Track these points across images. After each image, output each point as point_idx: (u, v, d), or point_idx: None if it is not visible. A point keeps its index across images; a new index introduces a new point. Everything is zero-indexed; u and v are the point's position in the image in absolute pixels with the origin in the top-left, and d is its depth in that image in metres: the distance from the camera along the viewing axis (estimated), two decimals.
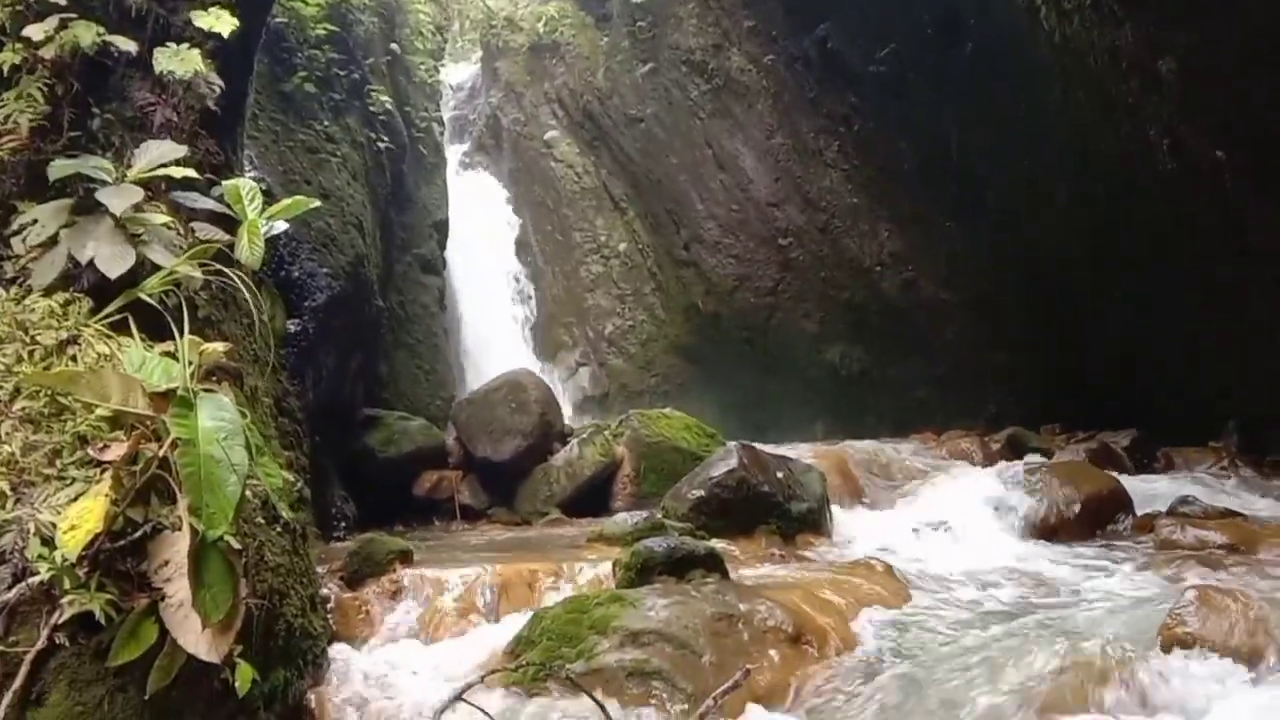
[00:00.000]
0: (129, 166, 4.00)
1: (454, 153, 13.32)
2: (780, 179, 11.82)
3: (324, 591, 4.58)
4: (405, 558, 5.08)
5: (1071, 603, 4.57)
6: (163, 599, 3.07)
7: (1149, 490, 7.13)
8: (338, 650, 4.19)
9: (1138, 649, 3.47)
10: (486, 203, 13.57)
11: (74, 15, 4.06)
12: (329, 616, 4.48)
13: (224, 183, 4.42)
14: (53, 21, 3.99)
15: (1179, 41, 6.91)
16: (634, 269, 13.43)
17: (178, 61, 4.17)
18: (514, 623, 4.41)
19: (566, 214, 13.56)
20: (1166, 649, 3.63)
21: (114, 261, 3.69)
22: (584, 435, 8.57)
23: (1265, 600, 3.78)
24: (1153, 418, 8.75)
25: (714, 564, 4.85)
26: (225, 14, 4.28)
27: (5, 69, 3.97)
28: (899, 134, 10.61)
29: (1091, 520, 6.40)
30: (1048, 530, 6.25)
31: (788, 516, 6.33)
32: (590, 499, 8.05)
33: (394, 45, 9.68)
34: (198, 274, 3.94)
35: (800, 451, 7.75)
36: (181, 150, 4.08)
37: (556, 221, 13.67)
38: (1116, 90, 7.75)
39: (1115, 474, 7.16)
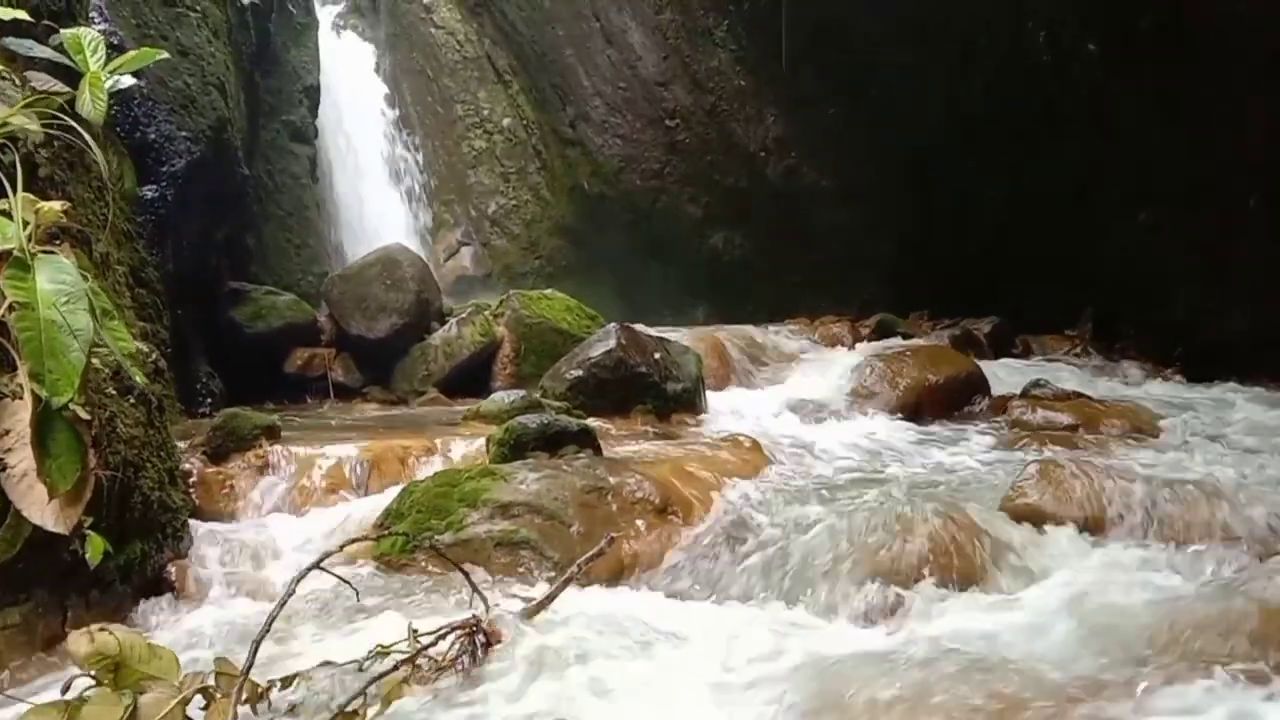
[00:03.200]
0: None
1: (326, 14, 12.57)
2: (669, 57, 11.61)
3: (185, 466, 4.46)
4: (272, 433, 4.97)
5: (922, 474, 4.82)
6: (4, 469, 2.94)
7: (1006, 374, 7.51)
8: (200, 524, 4.12)
9: (982, 516, 3.69)
10: (361, 69, 12.94)
11: None
12: (191, 491, 4.39)
13: (64, 32, 4.06)
14: None
15: None
16: (518, 146, 13.10)
17: None
18: (384, 497, 4.41)
19: (447, 85, 13.06)
20: (1007, 518, 3.88)
21: None
22: (463, 315, 8.45)
23: (1099, 473, 4.05)
24: (1016, 307, 9.16)
25: (587, 440, 4.91)
26: None
27: None
28: (786, 15, 10.50)
29: (949, 401, 6.70)
30: (907, 409, 6.52)
31: (663, 396, 6.44)
32: (469, 379, 8.01)
33: None
34: (34, 127, 3.64)
35: (679, 335, 7.83)
36: None
37: (436, 92, 13.15)
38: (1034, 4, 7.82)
39: (975, 358, 7.48)
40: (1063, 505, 3.92)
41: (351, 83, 12.25)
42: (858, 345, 8.12)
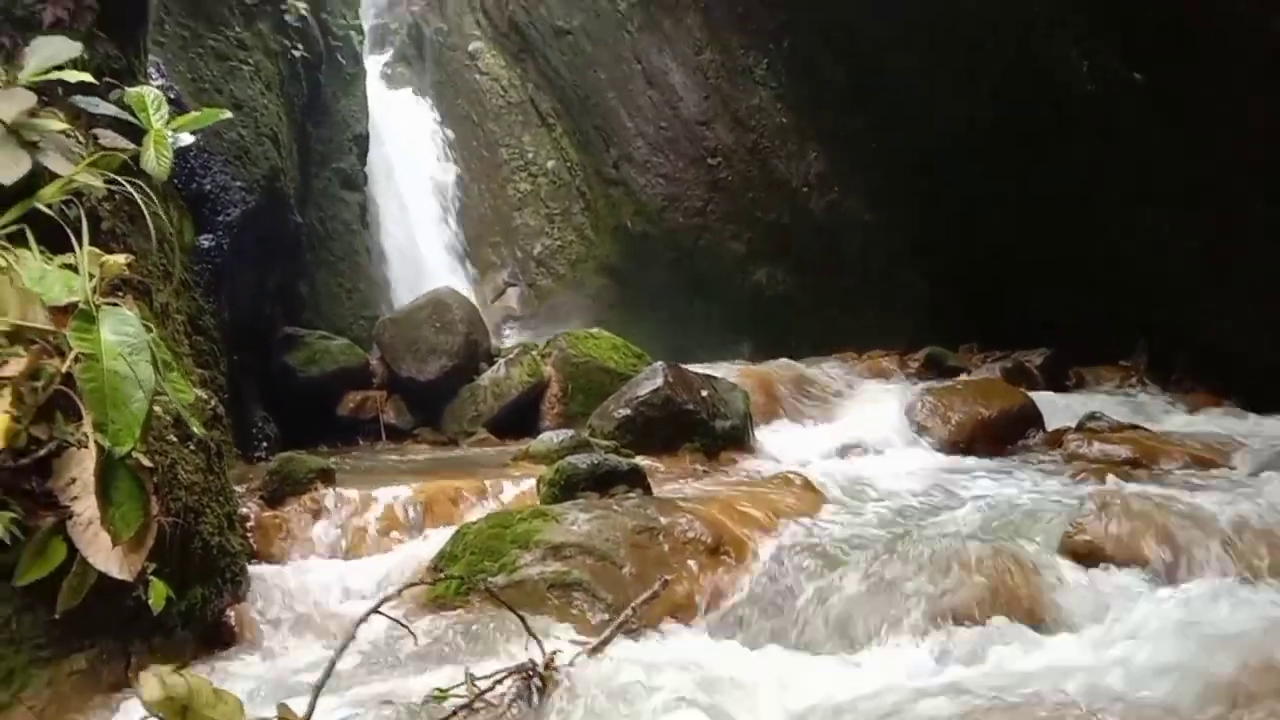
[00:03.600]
0: (20, 68, 3.78)
1: (374, 64, 12.87)
2: (709, 97, 11.69)
3: (243, 510, 4.53)
4: (326, 476, 5.03)
5: (978, 511, 4.73)
6: (70, 517, 3.01)
7: (1060, 406, 7.38)
8: (258, 568, 4.17)
9: (1041, 555, 3.62)
10: (408, 116, 13.19)
11: None
12: (249, 535, 4.45)
13: (128, 90, 4.20)
14: None
15: None
16: (562, 187, 13.24)
17: None
18: (437, 539, 4.43)
19: (492, 129, 13.26)
20: (1067, 556, 3.80)
21: (7, 169, 3.50)
22: (511, 355, 8.53)
23: (1162, 507, 3.96)
24: (1067, 338, 9.03)
25: (637, 479, 4.91)
26: None
27: None
28: (828, 52, 10.55)
29: (1003, 435, 6.61)
30: (960, 445, 6.44)
31: (712, 434, 6.43)
32: (518, 419, 8.05)
33: None
34: (98, 183, 3.77)
35: (726, 371, 7.82)
36: (76, 48, 3.85)
37: (482, 137, 13.37)
38: (1039, 8, 7.79)
39: (1027, 391, 7.38)
40: (1124, 541, 3.83)
41: (399, 130, 12.49)
42: (907, 379, 8.04)
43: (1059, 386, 8.65)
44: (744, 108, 11.51)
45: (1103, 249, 8.75)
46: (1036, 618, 3.32)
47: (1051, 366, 8.87)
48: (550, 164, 13.23)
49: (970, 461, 6.15)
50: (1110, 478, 5.10)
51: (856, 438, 6.54)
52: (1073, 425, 6.72)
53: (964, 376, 7.97)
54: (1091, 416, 6.76)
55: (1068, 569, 3.66)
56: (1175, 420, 7.44)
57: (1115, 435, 6.35)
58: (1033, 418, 6.81)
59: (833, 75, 10.59)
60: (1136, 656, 2.88)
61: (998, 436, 6.59)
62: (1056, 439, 6.55)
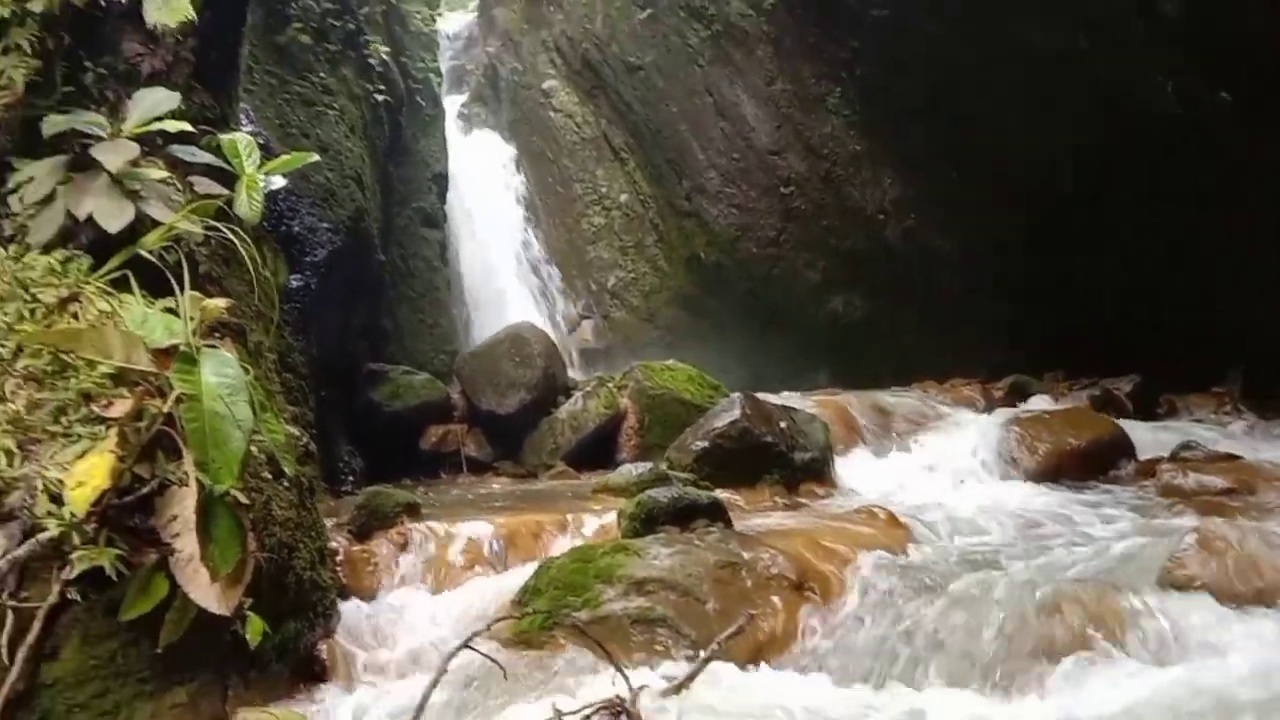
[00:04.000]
0: (123, 120, 3.96)
1: (452, 103, 13.19)
2: (782, 126, 11.70)
3: (332, 544, 4.63)
4: (412, 510, 5.12)
5: (1070, 545, 4.60)
6: (172, 554, 3.11)
7: (1151, 436, 7.16)
8: (348, 602, 4.25)
9: (1138, 591, 3.50)
10: (486, 154, 13.46)
11: None
12: (338, 569, 4.54)
13: (221, 137, 4.37)
14: None
15: None
16: (635, 220, 13.34)
17: (167, 12, 4.10)
18: (520, 573, 4.46)
19: (567, 165, 13.45)
20: (1168, 590, 3.67)
21: (112, 217, 3.67)
22: (588, 388, 8.60)
23: (1265, 540, 3.80)
24: (1156, 364, 8.76)
25: (717, 513, 4.89)
26: (182, 2, 4.15)
27: None
28: (901, 80, 10.47)
29: (1093, 465, 6.42)
30: (1049, 475, 6.28)
31: (791, 466, 6.37)
32: (595, 451, 8.10)
33: None
34: (198, 229, 3.93)
35: (803, 401, 7.76)
36: (175, 98, 4.03)
37: (557, 173, 13.56)
38: (1120, 30, 7.64)
39: (1117, 419, 7.17)
40: (1226, 576, 3.69)
41: (476, 167, 12.75)
42: (991, 408, 7.87)
43: (1150, 414, 8.39)
44: (817, 136, 11.48)
45: (1191, 273, 8.51)
46: (1134, 653, 3.21)
47: (1141, 394, 8.60)
48: (623, 197, 13.35)
49: (1059, 493, 5.98)
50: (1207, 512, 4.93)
51: (940, 468, 6.43)
52: (1166, 455, 6.50)
53: (1050, 405, 7.75)
54: (1185, 445, 6.53)
55: (1170, 603, 3.53)
56: (1274, 448, 7.15)
57: (1211, 465, 6.13)
58: (1124, 447, 6.61)
59: (907, 102, 10.51)
60: (1238, 697, 2.76)
61: (1088, 467, 6.41)
62: (1149, 469, 6.34)
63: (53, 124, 3.75)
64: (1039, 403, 7.95)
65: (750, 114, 11.86)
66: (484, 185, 12.90)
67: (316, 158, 4.59)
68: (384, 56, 8.83)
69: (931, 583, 3.87)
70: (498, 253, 12.74)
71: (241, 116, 6.55)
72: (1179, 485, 5.88)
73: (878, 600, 3.76)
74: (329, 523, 4.85)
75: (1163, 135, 7.98)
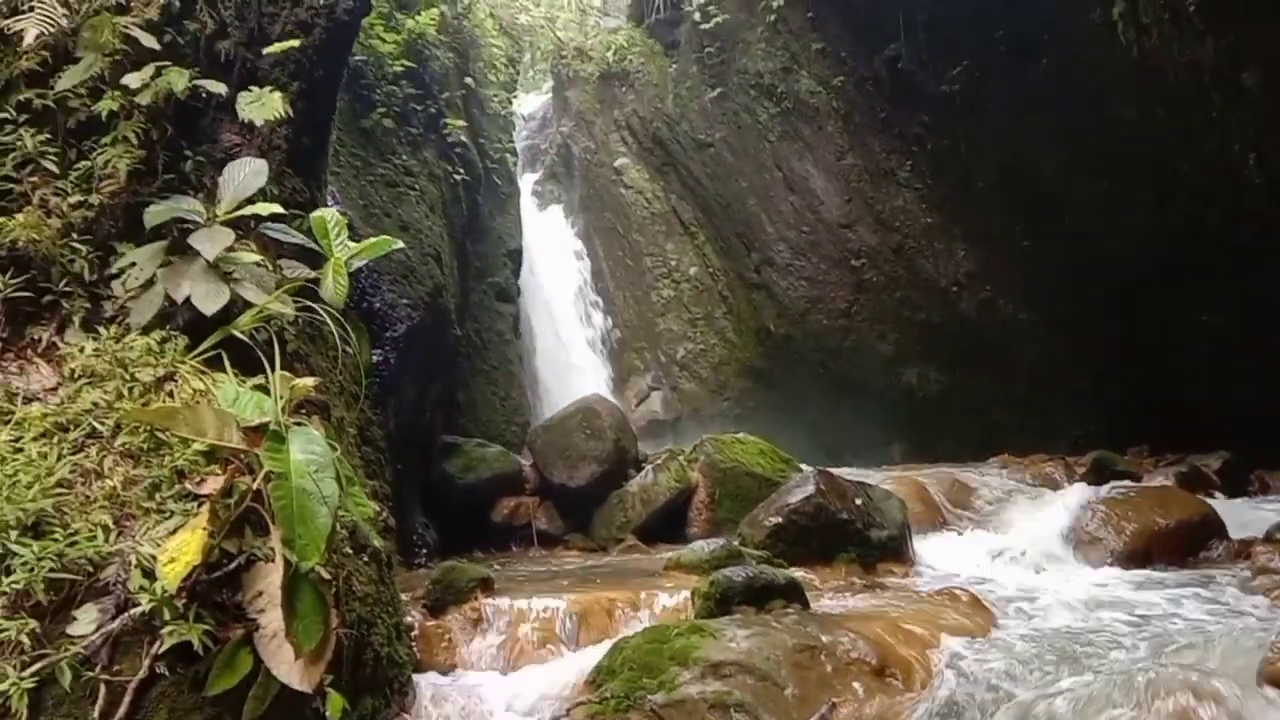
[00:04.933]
0: (219, 202, 4.13)
1: (526, 181, 13.52)
2: (851, 200, 11.75)
3: (408, 620, 4.65)
4: (486, 585, 5.13)
5: (1163, 634, 4.42)
6: (257, 629, 3.16)
7: (1243, 515, 6.88)
8: (422, 678, 4.25)
9: (1239, 685, 3.34)
10: (559, 230, 13.73)
11: (167, 63, 4.22)
12: (413, 645, 4.55)
13: (310, 215, 4.53)
14: (149, 70, 4.15)
15: (1263, 51, 6.72)
16: (705, 292, 13.45)
17: (258, 108, 4.30)
18: (594, 652, 4.43)
19: (637, 239, 13.65)
20: (1269, 684, 3.50)
21: (209, 299, 3.82)
22: (658, 461, 8.58)
23: None
24: (1244, 439, 8.46)
25: (794, 593, 4.82)
26: (275, 98, 4.37)
27: (104, 115, 4.15)
28: (972, 153, 10.48)
29: (1182, 547, 6.20)
30: (1137, 557, 6.07)
31: (867, 544, 6.26)
32: (666, 525, 8.05)
33: (468, 79, 9.87)
34: (288, 310, 4.06)
35: (878, 476, 7.65)
36: (264, 167, 4.20)
37: (627, 247, 13.76)
38: (1198, 104, 7.55)
39: (1206, 498, 6.93)
40: None
41: (550, 242, 13.01)
42: (1074, 486, 7.65)
43: (1240, 491, 8.08)
44: (887, 209, 11.50)
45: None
46: None
47: (1231, 470, 8.30)
48: (693, 270, 13.47)
49: (1148, 575, 5.78)
50: None
51: (1022, 549, 6.24)
52: (1260, 536, 6.25)
53: (1136, 484, 7.51)
54: None
55: (1268, 698, 3.36)
56: None
57: None
58: (1215, 527, 6.37)
59: (980, 176, 10.50)
60: None
61: (1177, 549, 6.18)
62: (1243, 551, 6.09)
63: (155, 214, 3.93)
64: (1124, 481, 7.68)
65: (820, 187, 11.95)
66: (557, 260, 13.12)
67: (400, 244, 4.73)
68: (462, 138, 9.10)
69: (1020, 672, 3.74)
70: (569, 326, 12.91)
71: (328, 198, 6.79)
72: (1276, 568, 5.64)
73: (965, 690, 3.64)
74: (405, 596, 4.88)
75: (1245, 207, 7.83)
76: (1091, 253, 9.62)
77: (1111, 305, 9.66)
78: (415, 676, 4.22)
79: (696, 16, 12.36)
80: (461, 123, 9.16)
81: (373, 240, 4.44)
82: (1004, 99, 9.83)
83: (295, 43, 4.66)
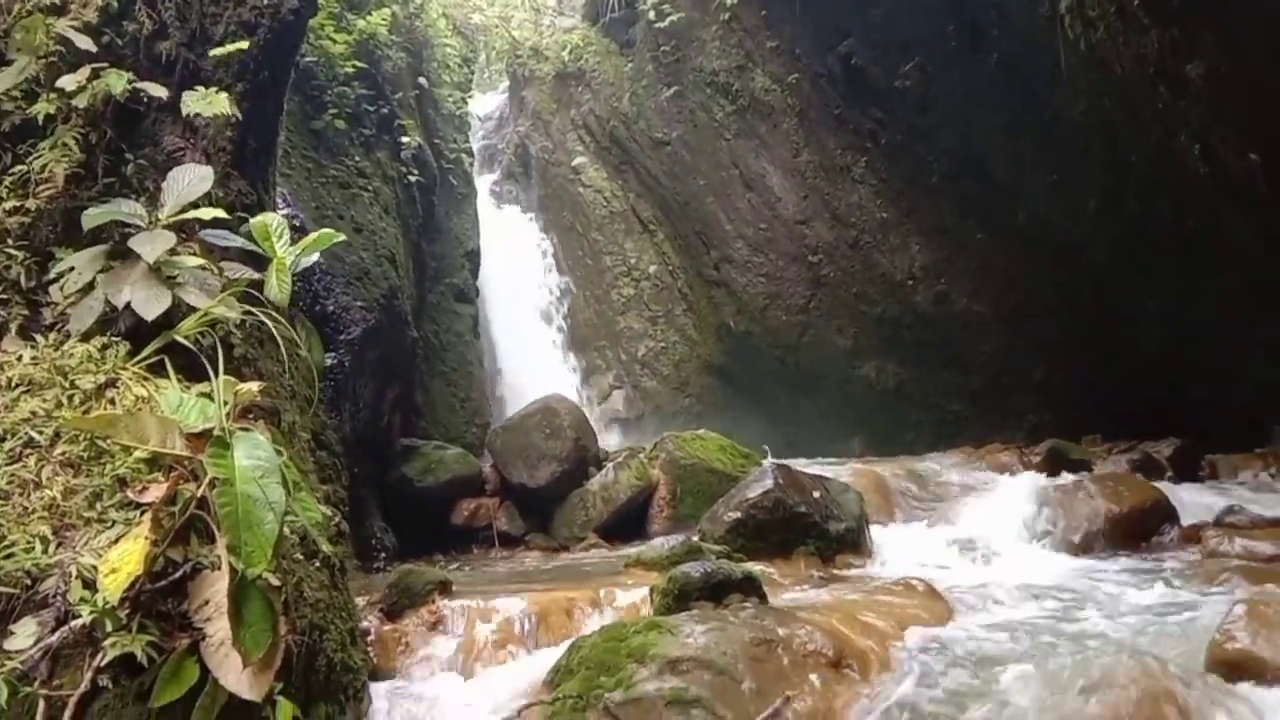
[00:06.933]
0: (162, 207, 4.06)
1: (484, 182, 13.45)
2: (808, 196, 11.81)
3: (364, 624, 4.60)
4: (444, 588, 5.09)
5: (1116, 618, 4.48)
6: (203, 638, 3.10)
7: (1194, 500, 7.00)
8: (379, 684, 4.21)
9: (1187, 669, 3.39)
10: (517, 229, 13.68)
11: (105, 64, 4.14)
12: (369, 649, 4.50)
13: (251, 220, 4.46)
14: (85, 72, 4.07)
15: (1206, 45, 6.83)
16: (664, 290, 13.46)
17: (205, 104, 4.23)
18: (552, 652, 4.41)
19: (596, 238, 13.63)
20: (1216, 668, 3.55)
21: (150, 304, 3.75)
22: (619, 459, 8.58)
23: None
24: (1196, 426, 8.61)
25: (752, 588, 4.82)
26: (222, 97, 4.30)
27: (40, 119, 4.06)
28: (926, 147, 10.57)
29: (1135, 532, 6.29)
30: (1090, 544, 6.15)
31: (826, 537, 6.28)
32: (627, 523, 8.05)
33: (422, 79, 9.79)
34: (233, 313, 4.00)
35: (837, 470, 7.69)
36: (208, 174, 4.13)
37: (586, 246, 13.74)
38: (1144, 96, 7.67)
39: (1158, 484, 7.04)
40: (1277, 650, 3.57)
41: (508, 243, 12.94)
42: (1029, 475, 7.74)
43: (1192, 477, 8.21)
44: (843, 205, 11.56)
45: (1229, 332, 8.40)
46: None
47: (1182, 457, 8.43)
48: (652, 268, 13.48)
49: (1102, 562, 5.86)
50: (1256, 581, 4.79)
51: (979, 538, 6.30)
52: (1210, 520, 6.37)
53: (1090, 473, 7.61)
54: (1230, 510, 6.39)
55: (1219, 680, 3.41)
56: None
57: (1259, 530, 5.98)
58: (1167, 513, 6.47)
59: (934, 170, 10.59)
60: None
61: (1130, 535, 6.27)
62: (1194, 535, 6.20)
63: (93, 216, 3.85)
64: (1078, 468, 7.78)
65: (776, 184, 11.99)
66: (516, 260, 13.07)
67: (342, 236, 4.67)
68: (417, 139, 9.03)
69: (978, 661, 3.77)
70: (528, 326, 12.87)
71: (279, 200, 6.70)
72: (1225, 551, 5.75)
73: (920, 679, 3.67)
74: (360, 601, 4.83)
75: (1193, 198, 7.96)
76: (1043, 244, 9.74)
77: (1064, 296, 9.78)
78: (371, 682, 4.17)
79: (651, 15, 12.36)
80: (415, 123, 9.09)
81: (314, 235, 4.38)
82: (956, 94, 9.92)
83: (243, 45, 4.59)
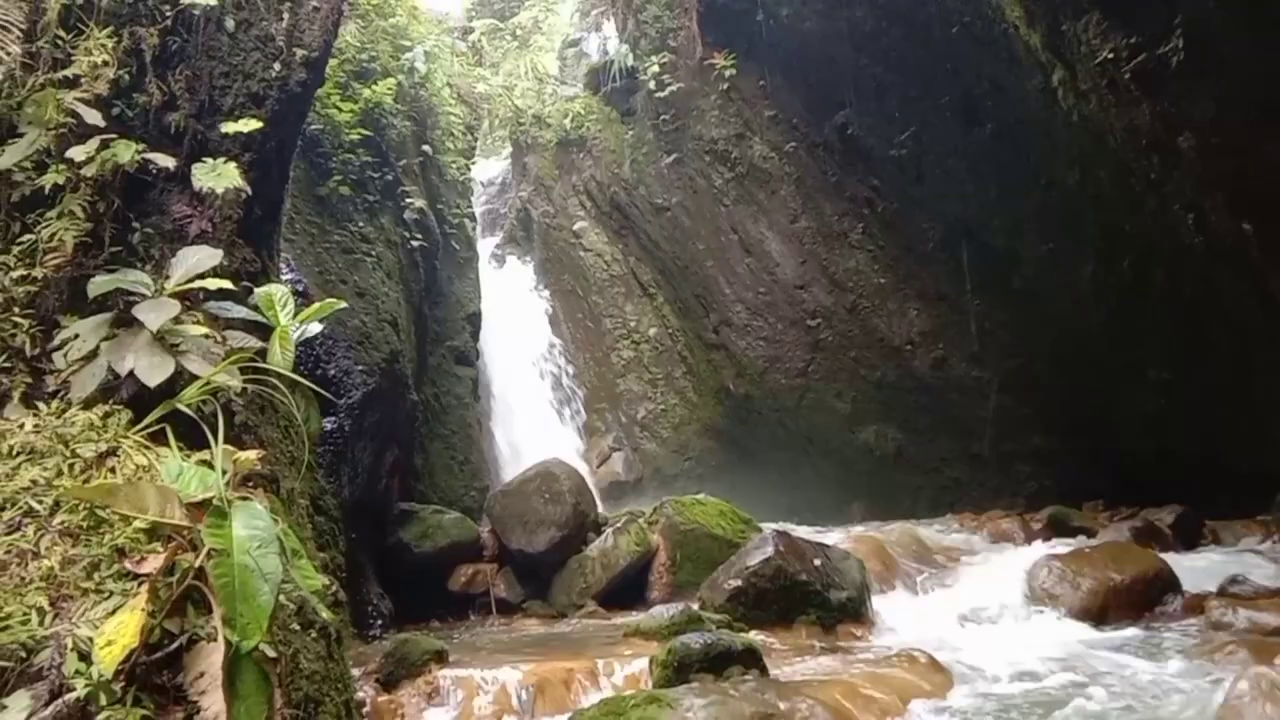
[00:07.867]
0: (167, 277, 4.10)
1: (486, 245, 13.58)
2: (806, 261, 11.91)
3: (360, 695, 4.55)
4: (440, 658, 5.04)
5: (1119, 692, 4.43)
6: (198, 712, 3.06)
7: (1196, 567, 6.96)
8: None
9: None
10: (518, 293, 13.78)
11: (114, 135, 4.21)
12: None
13: (256, 290, 4.51)
14: (94, 143, 4.13)
15: (1197, 116, 6.95)
16: (664, 353, 13.52)
17: (215, 177, 4.30)
18: None
19: (597, 301, 13.72)
20: None
21: (153, 371, 3.77)
22: (618, 524, 8.53)
23: None
24: (1197, 491, 8.59)
25: (752, 659, 4.78)
26: (230, 168, 4.38)
27: (48, 189, 4.12)
28: (922, 215, 10.70)
29: (1138, 602, 6.24)
30: (1093, 614, 6.10)
31: (827, 606, 6.24)
32: (626, 589, 7.98)
33: (426, 146, 9.95)
34: (234, 382, 4.01)
35: (838, 536, 7.65)
36: (217, 255, 4.18)
37: (587, 309, 13.83)
38: (1137, 167, 7.78)
39: (1160, 552, 7.00)
40: None
41: (509, 306, 13.02)
42: (1030, 541, 7.71)
43: (1193, 545, 8.17)
44: (841, 270, 11.67)
45: (1229, 398, 8.42)
46: None
47: (1183, 523, 8.39)
48: (652, 331, 13.55)
49: (1104, 633, 5.81)
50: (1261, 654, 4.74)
51: (980, 607, 6.25)
52: (1214, 590, 6.32)
53: (1092, 540, 7.57)
54: (1234, 580, 6.34)
55: None
56: None
57: (1263, 600, 5.93)
58: (1169, 582, 6.43)
59: (930, 236, 10.70)
60: None
61: (1132, 604, 6.22)
62: (1197, 605, 6.15)
63: (99, 284, 3.89)
64: (1080, 536, 7.75)
65: (775, 249, 12.11)
66: (517, 323, 13.15)
67: (344, 304, 4.73)
68: (420, 205, 9.14)
69: None
70: (529, 389, 12.89)
71: (282, 265, 6.76)
72: (1229, 623, 5.70)
73: None
74: (356, 671, 4.79)
75: (1187, 265, 8.03)
76: (1040, 311, 9.81)
77: (1061, 362, 9.82)
78: None
79: (651, 85, 12.59)
80: (418, 189, 9.21)
81: (317, 305, 4.42)
82: (950, 163, 10.06)
83: (256, 124, 4.66)
